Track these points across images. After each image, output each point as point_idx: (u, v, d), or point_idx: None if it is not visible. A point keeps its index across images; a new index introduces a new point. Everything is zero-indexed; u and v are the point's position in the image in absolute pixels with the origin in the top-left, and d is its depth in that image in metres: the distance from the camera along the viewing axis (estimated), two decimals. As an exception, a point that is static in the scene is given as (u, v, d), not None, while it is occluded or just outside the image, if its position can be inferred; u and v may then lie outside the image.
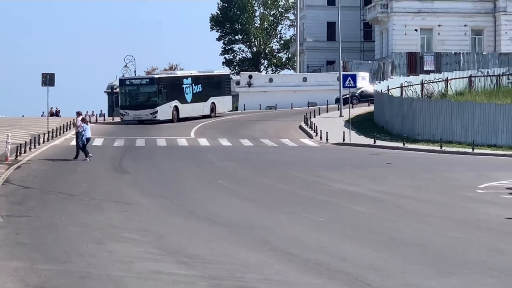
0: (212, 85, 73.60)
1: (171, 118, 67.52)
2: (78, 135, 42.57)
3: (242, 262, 17.84)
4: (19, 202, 27.95)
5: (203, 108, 72.06)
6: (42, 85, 54.36)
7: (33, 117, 78.94)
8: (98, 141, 53.03)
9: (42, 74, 54.55)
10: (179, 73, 76.20)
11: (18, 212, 25.64)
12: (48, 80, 54.24)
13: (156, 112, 66.15)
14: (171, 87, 68.85)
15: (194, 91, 71.09)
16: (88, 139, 42.99)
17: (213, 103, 73.40)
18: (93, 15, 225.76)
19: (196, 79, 71.95)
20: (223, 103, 75.70)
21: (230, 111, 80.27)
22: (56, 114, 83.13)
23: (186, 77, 72.10)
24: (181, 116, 68.72)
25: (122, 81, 69.65)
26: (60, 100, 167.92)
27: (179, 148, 51.32)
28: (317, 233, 21.97)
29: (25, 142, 46.78)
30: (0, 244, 19.55)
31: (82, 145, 42.36)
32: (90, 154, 42.16)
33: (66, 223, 23.12)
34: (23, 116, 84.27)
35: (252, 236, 21.49)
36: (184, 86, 70.23)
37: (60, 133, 57.42)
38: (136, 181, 34.55)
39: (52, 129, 56.24)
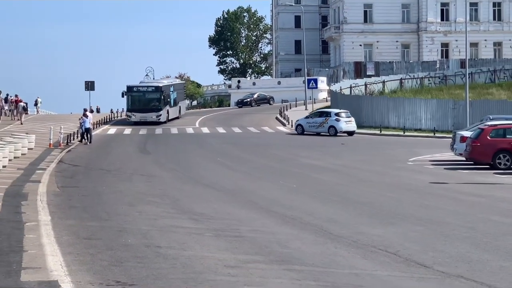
0: (179, 92, 66.20)
1: (166, 119, 59.94)
2: (81, 125, 43.63)
3: (237, 217, 17.82)
4: (70, 176, 27.81)
5: (177, 111, 64.82)
6: (85, 90, 54.02)
7: (79, 113, 78.46)
8: (127, 131, 52.87)
9: (85, 81, 54.21)
10: (165, 81, 65.92)
11: (70, 183, 25.54)
12: (89, 85, 53.88)
13: (160, 115, 58.93)
14: (166, 94, 60.75)
15: (174, 97, 63.48)
16: (87, 129, 43.25)
17: (179, 106, 66.13)
18: (122, 36, 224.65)
19: (174, 87, 64.49)
20: (183, 106, 69.49)
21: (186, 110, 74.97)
22: (97, 111, 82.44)
23: (173, 85, 64.86)
24: (170, 118, 61.21)
25: (129, 88, 60.23)
26: (100, 99, 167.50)
27: (188, 135, 51.19)
28: (291, 196, 21.98)
29: (74, 132, 46.56)
30: (58, 207, 19.43)
31: (82, 133, 43.21)
32: (86, 141, 42.71)
33: (105, 191, 23.02)
34: (71, 113, 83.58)
35: (242, 199, 21.48)
36: (171, 92, 62.47)
37: (99, 125, 57.21)
38: (156, 159, 34.46)
39: (93, 122, 55.95)
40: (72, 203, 20.36)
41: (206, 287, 10.72)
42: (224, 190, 23.51)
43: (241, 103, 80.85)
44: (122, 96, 60.03)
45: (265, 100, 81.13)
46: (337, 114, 51.40)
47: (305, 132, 51.55)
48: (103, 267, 12.07)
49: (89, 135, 43.36)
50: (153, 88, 60.41)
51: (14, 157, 33.19)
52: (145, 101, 59.59)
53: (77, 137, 43.95)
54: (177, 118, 63.13)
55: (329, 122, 51.00)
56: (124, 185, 24.69)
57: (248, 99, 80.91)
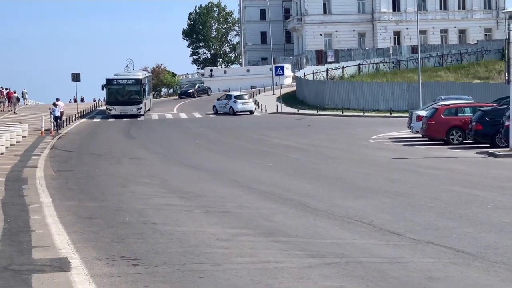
0: (149, 85, 61.18)
1: (144, 112, 54.64)
2: (51, 114, 43.25)
3: (221, 195, 17.76)
4: (64, 161, 27.59)
5: (149, 103, 59.35)
6: (71, 81, 53.28)
7: (65, 102, 77.51)
8: (111, 118, 52.46)
9: (72, 73, 53.48)
10: (140, 73, 58.57)
11: (64, 168, 25.30)
12: (76, 77, 53.23)
13: (141, 108, 53.13)
14: (145, 86, 55.20)
15: (147, 89, 57.78)
16: (56, 117, 42.68)
17: (150, 98, 61.00)
18: (102, 30, 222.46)
19: (147, 79, 59.35)
20: (151, 99, 64.05)
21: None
22: (81, 100, 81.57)
23: (146, 77, 59.25)
24: (146, 109, 56.11)
25: (109, 81, 54.06)
26: (84, 90, 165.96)
27: (167, 120, 50.98)
28: (269, 173, 21.95)
29: (63, 119, 46.11)
30: (56, 190, 19.27)
31: (54, 120, 42.64)
32: (56, 128, 42.13)
33: (98, 174, 22.86)
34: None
35: (225, 177, 21.38)
36: (145, 84, 56.41)
37: (85, 114, 56.73)
38: (141, 143, 34.28)
39: (80, 111, 55.56)
40: (69, 186, 20.18)
41: (203, 259, 10.69)
42: (207, 170, 23.41)
43: (184, 94, 78.17)
44: (102, 89, 55.00)
45: (204, 91, 79.40)
46: (235, 97, 55.81)
47: (218, 112, 55.42)
48: (106, 243, 11.99)
49: (58, 123, 42.80)
50: (133, 80, 54.36)
51: (10, 145, 32.85)
52: (125, 94, 53.79)
53: (52, 126, 42.71)
54: (148, 110, 57.64)
55: (229, 104, 55.16)
56: (115, 168, 24.53)
57: (191, 90, 78.94)
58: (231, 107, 54.72)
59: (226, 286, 9.26)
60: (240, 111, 54.30)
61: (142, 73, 59.82)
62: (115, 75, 56.13)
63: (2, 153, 29.01)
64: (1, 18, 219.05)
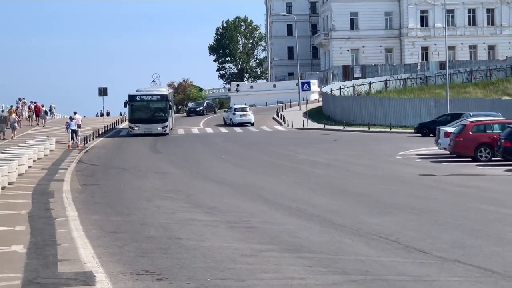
0: (171, 100, 56.59)
1: (169, 130, 50.88)
2: (67, 128, 43.61)
3: (246, 210, 17.78)
4: (90, 175, 27.74)
5: (173, 120, 55.82)
6: (99, 95, 53.65)
7: (91, 117, 78.31)
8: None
9: (99, 88, 53.88)
10: (164, 89, 55.13)
11: (90, 181, 25.47)
12: (103, 91, 53.63)
13: (166, 126, 49.58)
14: (170, 102, 52.15)
15: (172, 106, 55.72)
16: (72, 130, 42.64)
17: (173, 116, 57.02)
18: (129, 45, 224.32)
19: (170, 95, 55.23)
20: (173, 116, 59.46)
21: None
22: (107, 114, 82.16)
23: (171, 93, 56.76)
24: (170, 127, 52.16)
25: (132, 97, 50.43)
26: (110, 104, 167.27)
27: (193, 135, 51.17)
28: (294, 189, 21.93)
29: (89, 134, 46.53)
30: (82, 203, 19.40)
31: (71, 133, 42.53)
32: (72, 140, 41.99)
33: (124, 188, 22.97)
34: (84, 116, 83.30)
35: (250, 192, 21.43)
36: (170, 101, 53.15)
37: (112, 128, 57.07)
38: (167, 158, 34.43)
39: (106, 125, 55.94)
40: (95, 200, 20.31)
41: (227, 275, 10.71)
42: (232, 185, 23.45)
43: (192, 112, 74.92)
44: (125, 106, 51.78)
45: (211, 108, 77.94)
46: (235, 110, 60.37)
47: (226, 123, 59.22)
48: (131, 258, 12.06)
49: (74, 136, 42.83)
50: (158, 96, 50.56)
51: (38, 158, 33.17)
52: (149, 111, 50.16)
53: (69, 140, 42.44)
54: (171, 129, 53.36)
55: (230, 116, 59.66)
56: (141, 182, 24.64)
57: (200, 108, 76.09)
58: (230, 118, 59.20)
59: (250, 302, 9.25)
60: (238, 123, 58.17)
61: (166, 89, 57.30)
62: (136, 90, 52.25)
63: (30, 167, 29.29)
64: (31, 31, 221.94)
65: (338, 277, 10.49)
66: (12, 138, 43.51)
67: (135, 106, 50.07)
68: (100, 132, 51.14)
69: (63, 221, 16.00)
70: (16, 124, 45.70)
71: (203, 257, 12.06)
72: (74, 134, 42.63)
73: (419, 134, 46.23)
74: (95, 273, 10.70)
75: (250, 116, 59.15)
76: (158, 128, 49.30)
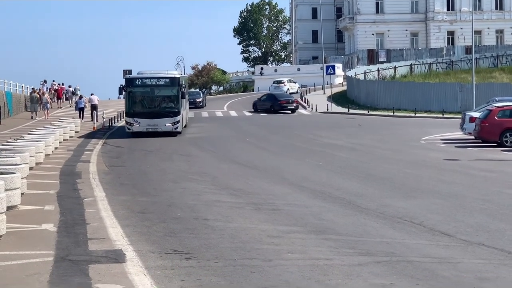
0: (185, 88, 41.74)
1: (181, 128, 37.33)
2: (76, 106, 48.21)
3: (271, 192, 17.98)
4: (116, 157, 28.09)
5: (187, 114, 43.33)
6: (123, 78, 53.89)
7: (115, 99, 78.58)
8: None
9: (123, 70, 54.35)
10: (175, 72, 41.10)
11: (117, 163, 25.83)
12: (128, 74, 53.91)
13: (178, 121, 36.24)
14: (183, 90, 37.37)
15: (186, 95, 41.33)
16: (80, 108, 46.99)
17: (186, 109, 43.43)
18: (153, 27, 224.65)
19: (183, 81, 40.36)
20: (187, 109, 45.95)
21: None
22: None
23: (184, 78, 44.04)
24: (183, 124, 38.89)
25: (130, 81, 36.61)
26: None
27: (218, 118, 51.41)
28: (318, 172, 22.08)
29: (114, 116, 46.93)
30: (109, 184, 19.72)
31: (79, 111, 47.05)
32: (81, 119, 45.01)
33: (150, 170, 23.26)
34: (109, 99, 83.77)
35: (274, 175, 21.59)
36: (183, 88, 38.45)
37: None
38: (192, 140, 34.67)
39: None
40: (122, 181, 20.63)
41: (254, 255, 10.94)
42: (257, 168, 23.66)
43: (192, 104, 57.23)
44: (120, 93, 40.38)
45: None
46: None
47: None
48: (159, 237, 12.32)
49: (82, 113, 46.64)
50: (167, 80, 36.63)
51: (64, 140, 33.61)
52: (154, 101, 36.97)
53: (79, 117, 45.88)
54: (185, 126, 40.08)
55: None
56: (166, 164, 24.93)
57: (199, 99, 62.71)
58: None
59: (277, 281, 9.47)
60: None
61: (178, 72, 45.83)
62: (138, 73, 38.54)
63: (56, 148, 29.72)
64: (56, 14, 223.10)
65: (363, 258, 10.68)
66: (46, 118, 44.76)
67: (134, 93, 36.57)
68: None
69: (91, 201, 16.32)
70: (48, 105, 47.94)
71: (230, 237, 12.29)
72: (82, 112, 45.93)
73: None
74: (125, 252, 10.97)
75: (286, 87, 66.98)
76: (166, 125, 36.25)
